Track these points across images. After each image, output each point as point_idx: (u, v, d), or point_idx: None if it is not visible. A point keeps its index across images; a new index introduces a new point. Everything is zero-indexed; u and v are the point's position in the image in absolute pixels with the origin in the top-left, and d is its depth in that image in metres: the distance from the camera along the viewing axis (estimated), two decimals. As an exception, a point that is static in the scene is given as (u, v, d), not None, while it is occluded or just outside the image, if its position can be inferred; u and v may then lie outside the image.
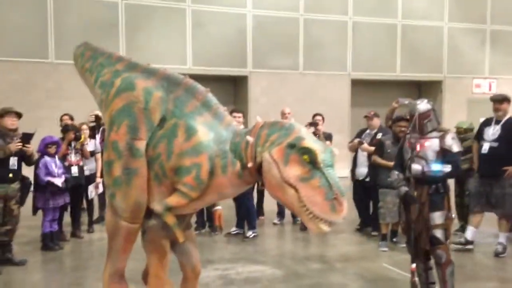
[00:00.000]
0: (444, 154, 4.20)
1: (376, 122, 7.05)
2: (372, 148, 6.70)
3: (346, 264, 5.67)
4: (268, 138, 2.77)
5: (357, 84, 14.13)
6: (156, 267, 3.16)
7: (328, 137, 7.22)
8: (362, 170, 6.98)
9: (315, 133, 7.18)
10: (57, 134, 7.67)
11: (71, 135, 6.76)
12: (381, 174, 6.16)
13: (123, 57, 3.57)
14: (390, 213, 6.12)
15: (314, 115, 7.43)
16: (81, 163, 6.80)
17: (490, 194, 5.99)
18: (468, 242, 6.14)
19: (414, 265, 4.19)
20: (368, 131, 7.09)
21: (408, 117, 4.67)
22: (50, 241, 6.10)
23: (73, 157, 6.72)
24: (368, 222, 7.19)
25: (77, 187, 6.68)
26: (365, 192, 7.04)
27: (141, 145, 3.11)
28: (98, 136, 7.71)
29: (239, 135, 2.97)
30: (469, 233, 6.16)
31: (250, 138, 2.82)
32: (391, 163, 4.83)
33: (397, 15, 14.47)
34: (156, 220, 3.11)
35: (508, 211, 5.93)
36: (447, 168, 4.12)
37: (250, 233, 6.84)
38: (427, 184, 4.15)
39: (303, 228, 7.30)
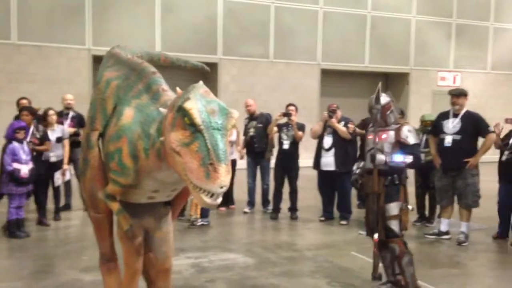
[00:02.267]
0: (401, 147, 4.26)
1: (339, 113, 7.19)
2: (342, 128, 6.92)
3: (316, 252, 5.77)
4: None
5: (326, 74, 14.26)
6: (126, 255, 3.12)
7: (301, 127, 7.29)
8: (328, 160, 7.06)
9: (288, 124, 7.26)
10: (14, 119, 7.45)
11: (27, 117, 6.47)
12: None
13: (118, 53, 3.41)
14: None
15: (288, 105, 7.46)
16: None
17: (454, 186, 6.19)
18: (442, 233, 6.36)
19: (376, 236, 4.23)
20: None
21: None
22: (16, 229, 5.94)
23: (31, 144, 6.40)
24: (332, 213, 7.32)
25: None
26: (330, 182, 7.14)
27: (94, 136, 3.10)
28: (67, 122, 7.54)
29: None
30: (443, 225, 6.37)
31: (162, 110, 2.62)
32: None
33: (366, 7, 14.63)
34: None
35: (470, 202, 6.15)
36: (409, 159, 4.19)
37: (199, 221, 6.66)
38: (383, 176, 4.22)
39: (274, 217, 7.38)
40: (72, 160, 7.38)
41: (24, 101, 7.75)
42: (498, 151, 6.51)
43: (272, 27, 13.63)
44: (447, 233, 6.37)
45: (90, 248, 5.68)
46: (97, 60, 11.99)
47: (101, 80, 3.22)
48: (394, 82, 15.45)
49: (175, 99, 2.57)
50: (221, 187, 2.28)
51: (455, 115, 6.21)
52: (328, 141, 7.07)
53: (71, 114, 7.76)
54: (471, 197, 6.13)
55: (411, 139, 4.27)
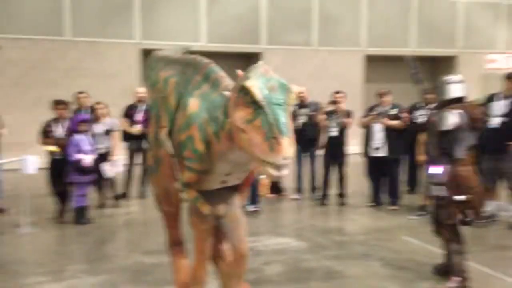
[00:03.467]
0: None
1: (389, 98, 7.19)
2: (395, 122, 6.95)
3: (367, 236, 5.87)
4: None
5: (371, 59, 14.14)
6: (198, 241, 3.22)
7: (348, 114, 7.35)
8: (378, 146, 7.09)
9: (335, 111, 7.35)
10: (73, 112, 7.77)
11: (63, 111, 6.59)
12: None
13: (167, 54, 3.59)
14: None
15: (335, 92, 7.52)
16: None
17: (500, 168, 6.16)
18: (492, 216, 6.31)
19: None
20: (379, 108, 7.19)
21: None
22: (81, 216, 6.33)
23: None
24: (381, 198, 7.37)
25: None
26: (380, 168, 7.18)
27: (163, 134, 3.21)
28: (140, 115, 7.90)
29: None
30: (490, 207, 6.33)
31: (227, 93, 2.74)
32: None
33: (411, -10, 14.38)
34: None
35: None
36: (439, 169, 4.17)
37: (251, 207, 6.84)
38: None
39: (322, 203, 7.50)
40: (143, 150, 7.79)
41: (83, 95, 8.13)
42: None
43: (316, 14, 13.62)
44: (495, 215, 6.34)
45: (150, 233, 6.03)
46: (146, 54, 12.37)
47: (158, 80, 3.36)
48: (442, 66, 15.13)
49: (238, 81, 2.67)
50: (285, 159, 2.39)
51: (506, 97, 6.17)
52: (378, 128, 7.09)
53: (143, 107, 8.01)
54: None
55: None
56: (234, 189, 3.30)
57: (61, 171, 6.29)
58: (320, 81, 12.95)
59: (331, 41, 13.77)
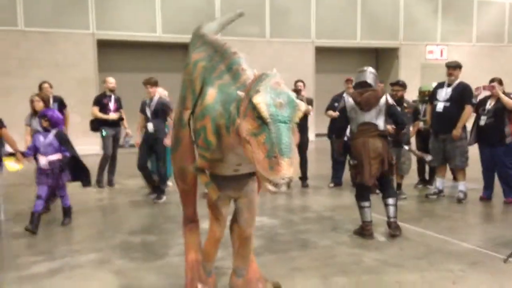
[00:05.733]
0: None
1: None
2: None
3: (333, 213, 6.41)
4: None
5: (320, 51, 14.78)
6: (212, 222, 3.35)
7: (309, 102, 7.85)
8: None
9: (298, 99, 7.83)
10: (28, 103, 7.48)
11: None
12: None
13: (205, 33, 3.64)
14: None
15: (296, 81, 8.00)
16: None
17: (444, 149, 6.89)
18: (440, 191, 7.10)
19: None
20: (345, 94, 7.72)
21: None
22: (31, 221, 5.54)
23: None
24: (341, 179, 7.97)
25: None
26: (344, 150, 7.72)
27: (186, 115, 3.35)
28: (111, 104, 8.02)
29: None
30: (438, 183, 7.07)
31: (240, 93, 2.73)
32: None
33: (357, -16, 15.12)
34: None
35: (459, 162, 6.86)
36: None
37: None
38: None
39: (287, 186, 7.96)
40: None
41: (46, 85, 8.10)
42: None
43: (268, 6, 14.06)
44: (442, 191, 7.09)
45: (128, 217, 6.32)
46: (101, 44, 12.36)
47: (190, 62, 3.46)
48: (385, 57, 16.04)
49: (251, 83, 2.70)
50: (283, 179, 2.37)
51: (449, 85, 6.91)
52: None
53: (114, 96, 8.12)
54: (459, 158, 6.83)
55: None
56: (250, 174, 3.39)
57: None
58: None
59: (283, 32, 14.27)
